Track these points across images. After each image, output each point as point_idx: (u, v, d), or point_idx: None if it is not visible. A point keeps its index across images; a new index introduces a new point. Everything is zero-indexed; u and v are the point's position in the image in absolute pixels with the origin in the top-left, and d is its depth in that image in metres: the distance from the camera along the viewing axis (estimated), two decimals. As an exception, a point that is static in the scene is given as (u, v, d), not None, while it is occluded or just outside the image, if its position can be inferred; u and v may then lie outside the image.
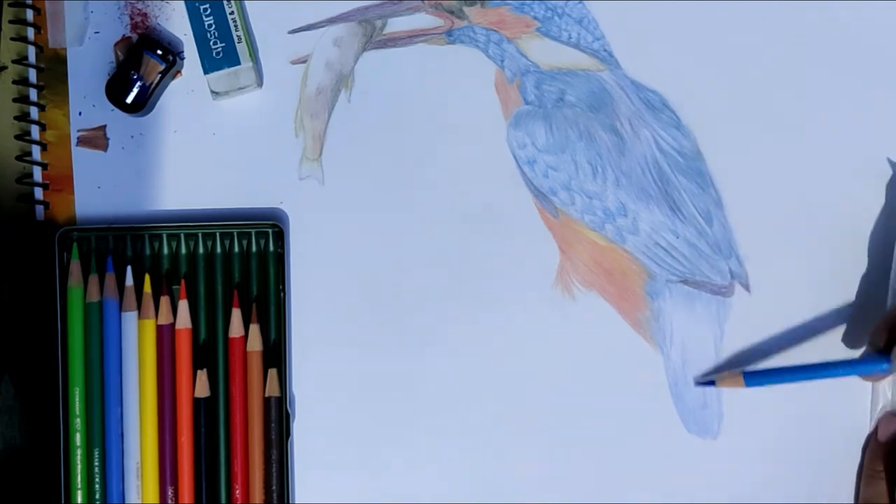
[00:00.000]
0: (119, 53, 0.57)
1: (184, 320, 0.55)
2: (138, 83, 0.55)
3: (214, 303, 0.56)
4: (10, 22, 0.57)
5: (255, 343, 0.55)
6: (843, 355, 0.55)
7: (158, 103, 0.57)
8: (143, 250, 0.56)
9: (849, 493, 0.55)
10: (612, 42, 0.57)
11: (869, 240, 0.56)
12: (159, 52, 0.55)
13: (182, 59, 0.57)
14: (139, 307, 0.55)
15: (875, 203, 0.56)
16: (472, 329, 0.56)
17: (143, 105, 0.55)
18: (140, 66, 0.55)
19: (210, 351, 0.55)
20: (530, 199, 0.57)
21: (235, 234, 0.56)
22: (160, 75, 0.55)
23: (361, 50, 0.57)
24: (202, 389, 0.55)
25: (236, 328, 0.55)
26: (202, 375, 0.55)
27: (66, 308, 0.55)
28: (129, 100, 0.56)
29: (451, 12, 0.57)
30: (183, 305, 0.55)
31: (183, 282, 0.56)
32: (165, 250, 0.56)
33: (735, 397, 0.56)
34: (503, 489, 0.56)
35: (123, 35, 0.57)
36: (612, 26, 0.57)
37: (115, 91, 0.56)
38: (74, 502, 0.54)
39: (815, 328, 0.56)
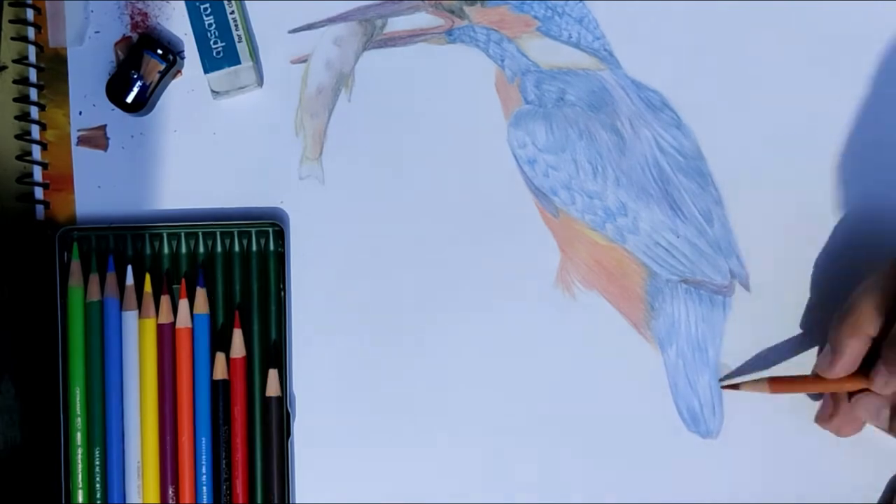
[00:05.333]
0: (119, 53, 0.57)
1: (184, 319, 0.55)
2: (138, 83, 0.55)
3: (215, 302, 0.56)
4: (11, 21, 0.57)
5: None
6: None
7: (158, 103, 0.57)
8: (143, 250, 0.56)
9: (850, 494, 0.55)
10: (613, 42, 0.57)
11: (870, 239, 0.56)
12: (159, 51, 0.55)
13: (182, 58, 0.57)
14: (140, 306, 0.55)
15: (875, 202, 0.56)
16: (472, 328, 0.56)
17: (143, 104, 0.55)
18: (140, 65, 0.55)
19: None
20: (530, 199, 0.57)
21: (236, 233, 0.56)
22: (160, 75, 0.55)
23: (362, 49, 0.57)
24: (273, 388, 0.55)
25: (237, 349, 0.55)
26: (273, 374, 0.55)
27: (67, 308, 0.55)
28: (130, 99, 0.56)
29: (452, 12, 0.57)
30: (183, 305, 0.55)
31: (183, 281, 0.56)
32: (166, 250, 0.56)
33: (736, 397, 0.56)
34: (503, 489, 0.56)
35: (124, 35, 0.57)
36: (612, 26, 0.57)
37: (116, 90, 0.56)
38: (75, 502, 0.54)
39: (815, 328, 0.56)
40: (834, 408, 0.54)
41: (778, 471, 0.55)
